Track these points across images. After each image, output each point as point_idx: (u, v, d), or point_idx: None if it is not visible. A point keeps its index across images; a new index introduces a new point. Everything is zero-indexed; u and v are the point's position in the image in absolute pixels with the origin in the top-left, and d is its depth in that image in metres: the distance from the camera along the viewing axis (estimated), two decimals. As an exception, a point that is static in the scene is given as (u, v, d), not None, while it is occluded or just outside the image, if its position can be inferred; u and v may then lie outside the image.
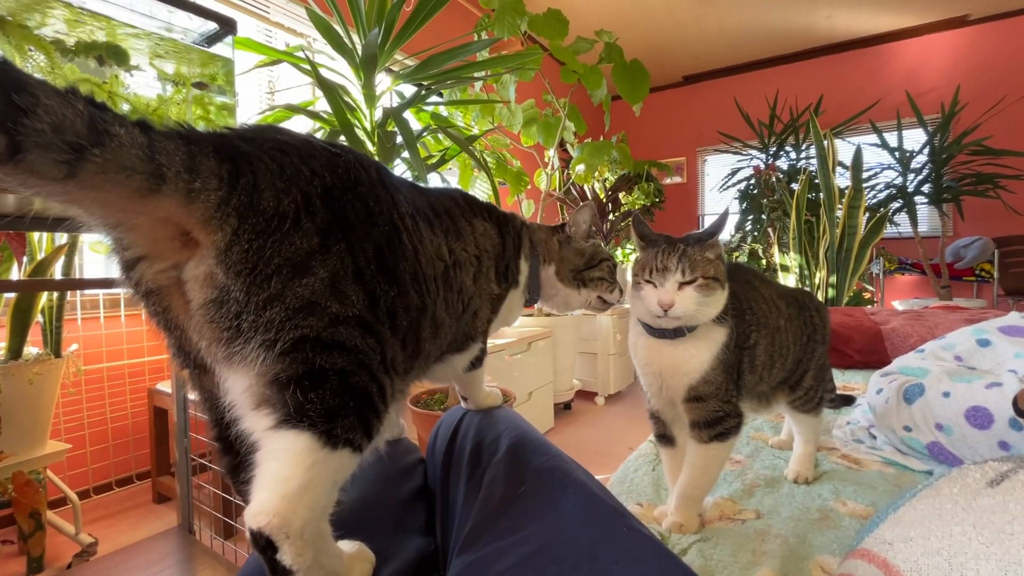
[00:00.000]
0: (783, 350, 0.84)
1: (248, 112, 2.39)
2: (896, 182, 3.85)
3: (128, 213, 0.37)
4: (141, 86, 1.26)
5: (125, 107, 1.16)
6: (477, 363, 0.72)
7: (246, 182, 0.39)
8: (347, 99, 1.54)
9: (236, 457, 0.44)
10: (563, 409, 3.02)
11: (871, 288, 3.83)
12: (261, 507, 0.36)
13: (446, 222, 0.60)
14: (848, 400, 1.13)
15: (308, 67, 1.40)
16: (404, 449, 0.75)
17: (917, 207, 3.74)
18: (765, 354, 0.80)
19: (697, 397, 0.75)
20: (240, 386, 0.40)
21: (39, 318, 1.56)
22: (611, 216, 3.58)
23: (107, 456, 1.95)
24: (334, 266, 0.41)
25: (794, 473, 0.92)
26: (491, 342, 2.29)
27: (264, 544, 0.36)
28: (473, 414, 0.76)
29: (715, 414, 0.74)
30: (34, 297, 1.50)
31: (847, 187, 2.73)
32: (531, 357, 2.50)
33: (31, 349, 1.55)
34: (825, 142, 2.63)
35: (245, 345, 0.38)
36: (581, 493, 0.52)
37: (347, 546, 0.48)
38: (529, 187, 2.55)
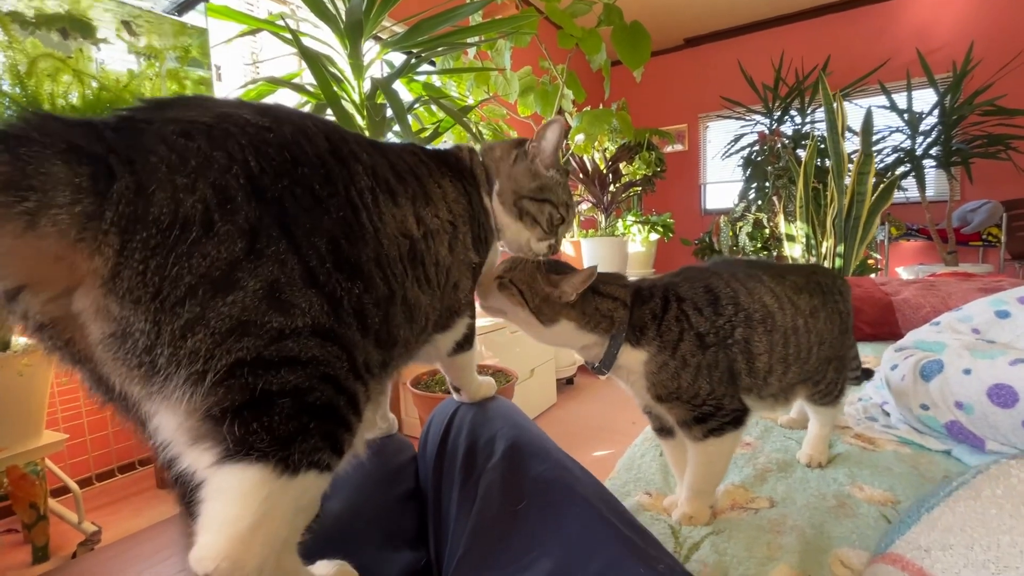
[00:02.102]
0: (801, 352, 0.76)
1: (231, 85, 2.29)
2: (904, 145, 3.74)
3: None
4: (112, 61, 1.18)
5: (94, 84, 1.09)
6: (465, 345, 0.66)
7: (123, 187, 0.31)
8: (333, 70, 1.45)
9: (186, 488, 0.37)
10: (565, 384, 3.01)
11: (877, 255, 3.77)
12: (206, 551, 0.32)
13: (412, 185, 0.51)
14: (869, 374, 1.09)
15: (289, 36, 1.31)
16: (395, 447, 0.70)
17: (925, 171, 3.64)
18: (771, 356, 0.73)
19: (664, 399, 0.70)
20: (170, 424, 0.34)
21: (26, 308, 1.51)
22: (612, 188, 3.49)
23: (108, 443, 1.94)
24: (268, 273, 0.34)
25: (807, 457, 0.89)
26: (493, 320, 2.25)
27: None
28: (466, 409, 0.71)
29: (695, 412, 0.69)
30: (18, 287, 1.45)
31: (854, 152, 2.64)
32: (532, 334, 2.47)
33: (20, 339, 1.51)
34: (834, 105, 2.53)
35: (166, 382, 0.32)
36: (588, 514, 0.47)
37: (326, 568, 0.44)
38: (527, 159, 2.47)
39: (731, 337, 0.70)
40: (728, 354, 0.70)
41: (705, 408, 0.68)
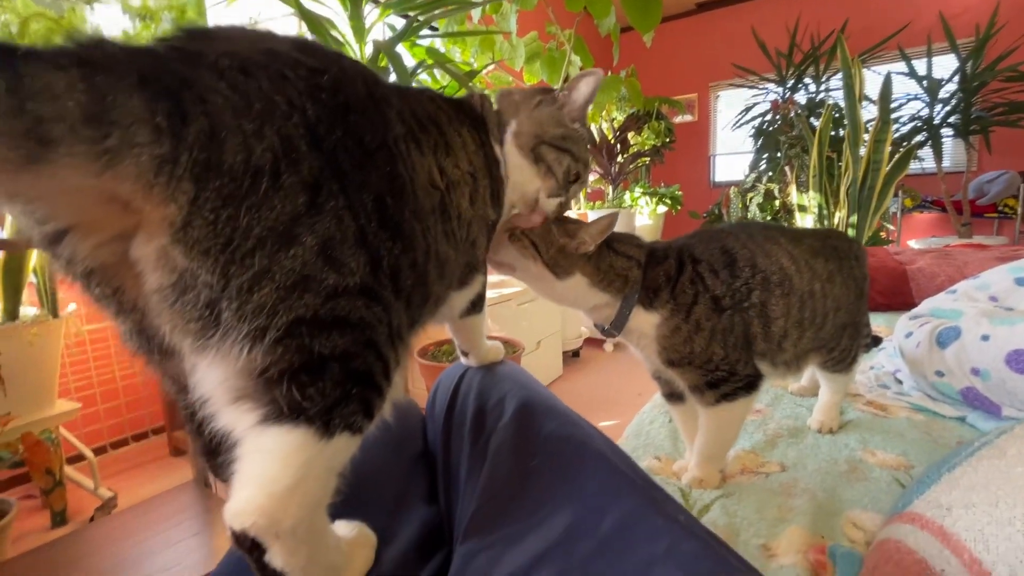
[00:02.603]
0: (816, 317, 0.74)
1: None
2: (921, 114, 3.63)
3: (14, 188, 0.28)
4: (106, 22, 1.14)
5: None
6: (477, 306, 0.64)
7: (199, 129, 0.29)
8: (334, 33, 1.41)
9: (211, 439, 0.37)
10: (571, 357, 3.01)
11: (890, 227, 3.70)
12: (245, 505, 0.31)
13: (434, 134, 0.48)
14: (877, 341, 1.07)
15: (288, -4, 1.27)
16: (404, 411, 0.69)
17: (942, 140, 3.54)
18: (787, 321, 0.71)
19: (676, 364, 0.68)
20: (215, 379, 0.33)
21: (32, 279, 1.51)
22: (619, 158, 3.43)
23: (120, 413, 1.97)
24: (327, 230, 0.33)
25: (818, 423, 0.88)
26: (499, 291, 2.24)
27: (250, 545, 0.32)
28: (474, 372, 0.69)
29: (707, 377, 0.67)
30: (23, 257, 1.45)
31: (870, 120, 2.55)
32: (539, 306, 2.46)
33: (28, 310, 1.51)
34: (852, 69, 2.44)
35: (224, 336, 0.31)
36: (602, 468, 0.45)
37: (345, 529, 0.43)
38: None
39: (747, 300, 0.68)
40: (744, 318, 0.68)
41: (718, 373, 0.67)
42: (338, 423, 0.34)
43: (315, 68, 0.36)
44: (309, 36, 1.37)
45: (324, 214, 0.33)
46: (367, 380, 0.36)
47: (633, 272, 0.68)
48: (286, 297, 0.31)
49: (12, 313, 1.46)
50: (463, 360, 0.72)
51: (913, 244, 3.89)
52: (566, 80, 2.45)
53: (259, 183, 0.30)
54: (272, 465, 0.32)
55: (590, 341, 3.20)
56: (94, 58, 0.27)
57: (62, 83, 0.25)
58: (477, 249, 0.57)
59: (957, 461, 0.47)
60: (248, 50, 0.34)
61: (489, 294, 2.18)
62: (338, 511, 0.39)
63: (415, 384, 2.15)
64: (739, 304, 0.68)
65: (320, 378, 0.33)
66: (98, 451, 1.83)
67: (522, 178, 0.62)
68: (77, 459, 1.77)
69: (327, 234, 0.33)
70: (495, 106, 0.64)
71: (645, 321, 0.68)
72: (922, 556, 0.40)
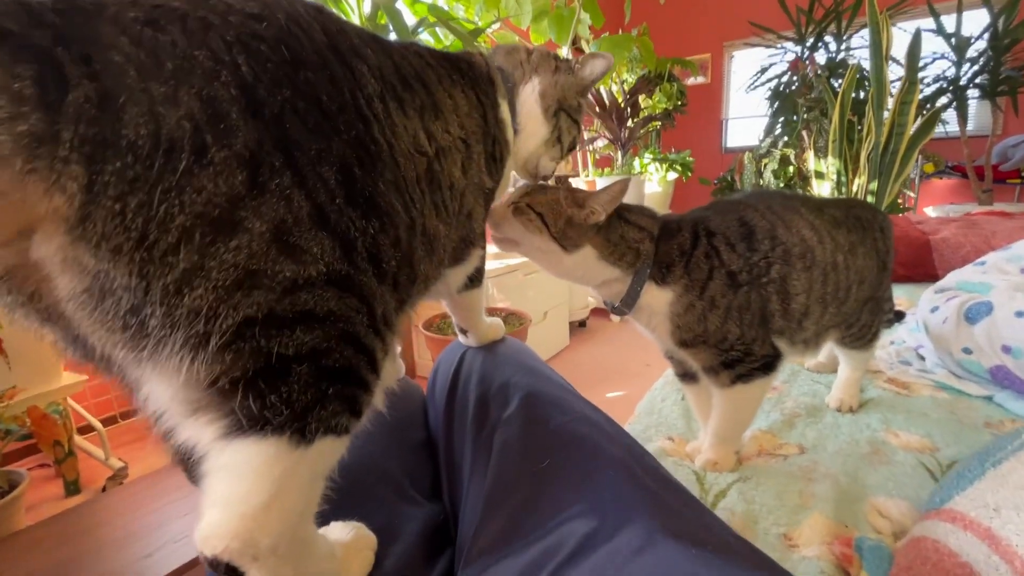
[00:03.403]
0: (839, 292, 0.69)
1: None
2: (948, 74, 3.45)
3: None
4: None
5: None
6: (475, 280, 0.61)
7: (82, 96, 0.23)
8: (329, -12, 1.33)
9: (180, 450, 0.33)
10: (578, 327, 2.99)
11: (911, 193, 3.58)
12: (215, 528, 0.28)
13: (420, 94, 0.43)
14: (900, 316, 1.03)
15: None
16: (403, 394, 0.65)
17: (968, 102, 3.38)
18: (809, 296, 0.66)
19: (689, 344, 0.65)
20: (164, 393, 0.29)
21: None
22: (629, 123, 3.31)
23: (128, 384, 1.97)
24: (275, 212, 0.28)
25: (837, 401, 0.85)
26: (505, 262, 2.20)
27: (225, 570, 0.29)
28: (474, 353, 0.66)
29: (722, 357, 0.64)
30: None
31: (895, 80, 2.43)
32: (545, 276, 2.41)
33: (29, 283, 1.50)
34: (880, 26, 2.30)
35: (159, 347, 0.27)
36: (619, 478, 0.40)
37: (341, 531, 0.40)
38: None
39: (766, 275, 0.64)
40: (761, 294, 0.64)
41: (733, 353, 0.64)
42: (316, 427, 0.30)
43: (252, 14, 0.30)
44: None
45: (268, 194, 0.28)
46: (347, 376, 0.32)
47: (645, 245, 0.64)
48: (227, 297, 0.27)
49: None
50: (462, 339, 0.69)
51: (930, 211, 3.78)
52: (575, 41, 2.33)
53: (175, 160, 0.25)
54: (241, 482, 0.29)
55: (597, 311, 3.17)
56: None
57: None
58: (474, 221, 0.53)
59: (1003, 456, 0.44)
60: None
61: (494, 265, 2.14)
62: (331, 510, 0.36)
63: (421, 356, 2.14)
64: (757, 280, 0.64)
65: (283, 383, 0.29)
66: (108, 421, 1.84)
67: (534, 139, 0.60)
68: (87, 429, 1.79)
69: (277, 216, 0.28)
70: (499, 61, 0.59)
71: (657, 298, 0.64)
72: (966, 560, 0.37)
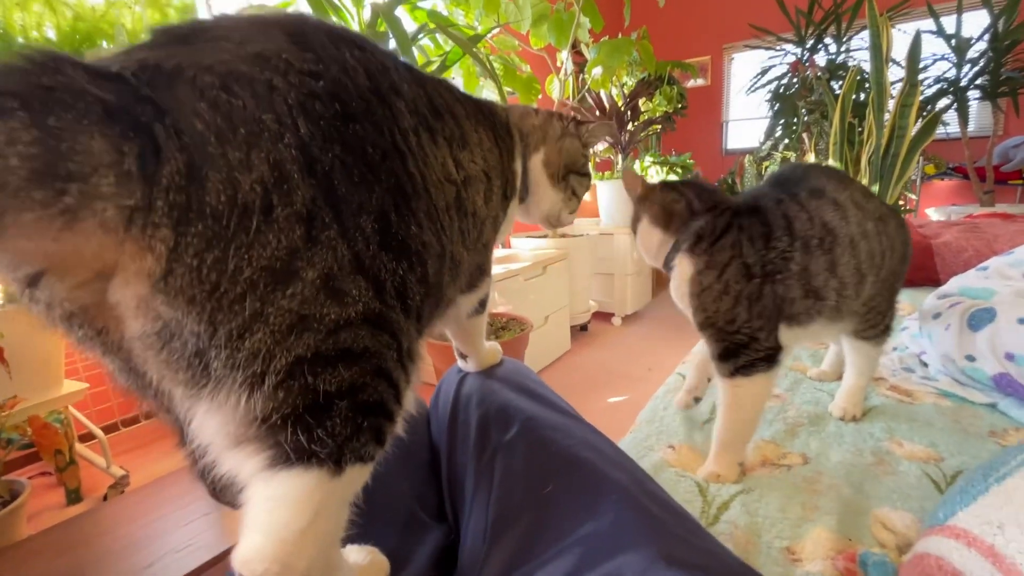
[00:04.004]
0: (875, 257, 0.71)
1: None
2: (948, 75, 3.45)
3: None
4: None
5: (68, 14, 1.00)
6: (483, 306, 0.63)
7: (174, 169, 0.25)
8: (330, -4, 1.33)
9: (215, 484, 0.35)
10: (580, 331, 2.99)
11: (912, 195, 3.57)
12: (256, 553, 0.30)
13: (450, 126, 0.45)
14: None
15: (278, -44, 1.19)
16: (410, 420, 0.67)
17: (969, 103, 3.37)
18: (840, 270, 0.68)
19: (703, 326, 0.69)
20: (213, 427, 0.31)
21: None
22: (630, 126, 3.31)
23: (130, 391, 1.98)
24: (325, 261, 0.30)
25: (841, 410, 0.84)
26: (507, 267, 2.20)
27: None
28: (473, 378, 0.67)
29: (727, 342, 0.67)
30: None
31: (895, 82, 2.42)
32: (547, 280, 2.42)
33: (30, 291, 1.50)
34: (880, 28, 2.30)
35: (218, 386, 0.29)
36: (621, 504, 0.41)
37: (357, 555, 0.42)
38: (540, 96, 2.32)
39: (784, 271, 0.67)
40: (777, 289, 0.66)
41: (738, 337, 0.66)
42: (349, 457, 0.32)
43: (309, 72, 0.32)
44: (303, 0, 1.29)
45: (320, 245, 0.30)
46: (378, 410, 0.34)
47: (679, 206, 0.72)
48: (282, 340, 0.29)
49: (14, 296, 1.45)
50: (461, 364, 0.71)
51: (931, 213, 3.77)
52: (574, 45, 2.33)
53: (248, 221, 0.27)
54: (283, 511, 0.30)
55: (598, 315, 3.17)
56: (45, 94, 0.23)
57: (1, 137, 0.21)
58: (488, 251, 0.56)
59: (1007, 471, 0.43)
60: (233, 57, 0.30)
61: (496, 269, 2.14)
62: (348, 535, 0.37)
63: (424, 362, 2.13)
64: (771, 272, 0.66)
65: (328, 417, 0.31)
66: (109, 429, 1.84)
67: (548, 201, 0.66)
68: (88, 437, 1.79)
69: (325, 266, 0.30)
70: (517, 121, 0.63)
71: (685, 264, 0.70)
72: (970, 578, 0.37)
